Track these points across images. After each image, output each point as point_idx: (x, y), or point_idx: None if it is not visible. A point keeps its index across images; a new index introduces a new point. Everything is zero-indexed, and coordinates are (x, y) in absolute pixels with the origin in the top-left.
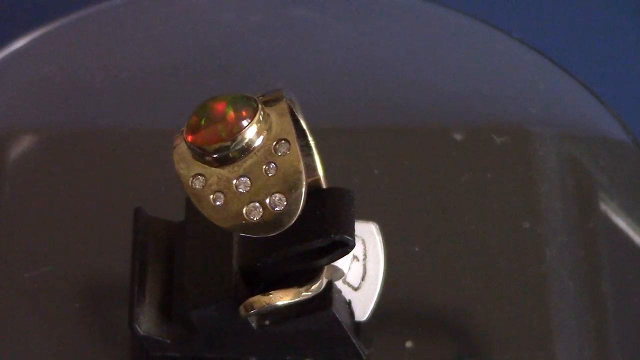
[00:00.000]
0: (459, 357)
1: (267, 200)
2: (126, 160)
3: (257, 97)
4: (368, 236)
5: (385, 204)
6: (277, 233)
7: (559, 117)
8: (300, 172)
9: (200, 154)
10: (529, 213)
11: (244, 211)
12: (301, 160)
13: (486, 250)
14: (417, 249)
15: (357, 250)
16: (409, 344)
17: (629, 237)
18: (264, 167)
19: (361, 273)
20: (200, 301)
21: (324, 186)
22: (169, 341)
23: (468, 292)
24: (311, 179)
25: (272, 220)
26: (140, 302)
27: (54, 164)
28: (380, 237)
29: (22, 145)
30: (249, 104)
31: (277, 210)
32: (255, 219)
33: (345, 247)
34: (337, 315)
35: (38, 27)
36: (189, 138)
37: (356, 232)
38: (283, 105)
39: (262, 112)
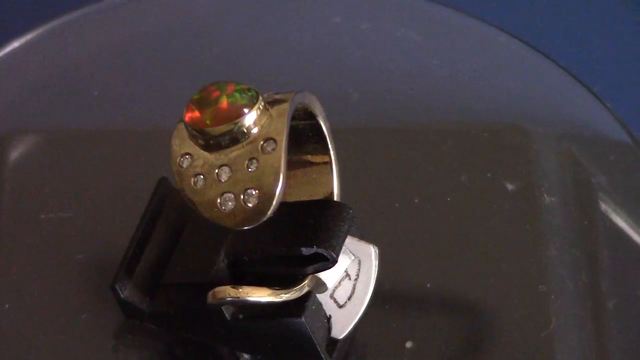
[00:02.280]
0: (459, 357)
1: (242, 194)
2: (126, 160)
3: (266, 94)
4: (365, 258)
5: (384, 203)
6: (244, 228)
7: (559, 117)
8: (277, 174)
9: (192, 134)
10: (529, 213)
11: (218, 200)
12: (283, 163)
13: (486, 250)
14: (415, 248)
15: (352, 269)
16: (409, 344)
17: (629, 237)
18: (247, 161)
19: (349, 292)
20: (178, 276)
21: (336, 199)
22: (147, 311)
23: (468, 292)
24: (324, 193)
25: (241, 214)
26: (131, 266)
27: (54, 164)
28: (377, 263)
29: (22, 145)
30: (247, 94)
31: (248, 206)
32: (226, 209)
33: (327, 261)
34: (307, 327)
35: (37, 26)
36: (186, 116)
37: (354, 252)
38: (285, 107)
39: (261, 104)
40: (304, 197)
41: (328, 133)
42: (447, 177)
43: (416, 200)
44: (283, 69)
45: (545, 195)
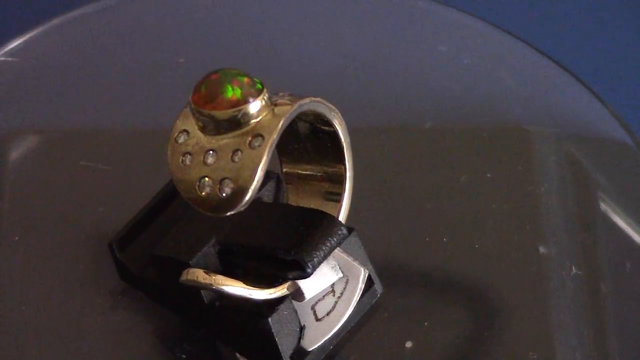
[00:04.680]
0: (459, 357)
1: (219, 182)
2: (126, 160)
3: (280, 93)
4: (353, 279)
5: (384, 203)
6: (215, 215)
7: (559, 117)
8: (255, 171)
9: (195, 115)
10: (529, 213)
11: (198, 182)
12: (264, 162)
13: (486, 250)
14: (416, 248)
15: (338, 286)
16: (409, 344)
17: (629, 237)
18: (232, 151)
19: (329, 308)
20: (167, 250)
21: (342, 216)
22: (137, 276)
23: (468, 292)
24: (332, 206)
25: (214, 201)
26: (135, 230)
27: (54, 164)
28: (362, 286)
29: (22, 145)
30: (253, 86)
31: (221, 195)
32: (202, 193)
33: (302, 270)
34: (272, 329)
35: (37, 26)
36: (192, 97)
37: (345, 271)
38: (288, 108)
39: (266, 96)
40: (314, 206)
41: (347, 147)
42: (447, 177)
43: (416, 200)
44: (283, 71)
45: (545, 195)
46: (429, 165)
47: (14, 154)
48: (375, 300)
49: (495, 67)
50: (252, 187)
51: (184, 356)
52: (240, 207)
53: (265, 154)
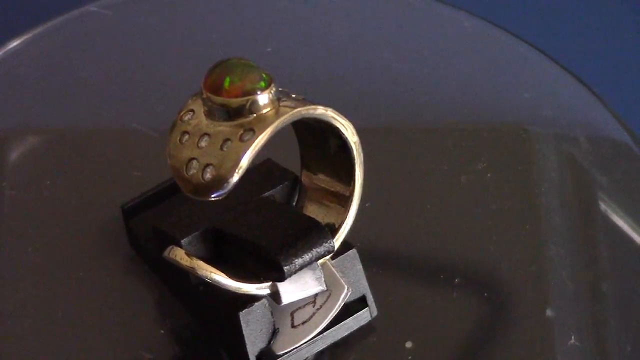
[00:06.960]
0: (459, 357)
1: (204, 167)
2: (126, 160)
3: (294, 95)
4: (335, 294)
5: (384, 203)
6: (194, 198)
7: (559, 117)
8: (236, 164)
9: (205, 101)
10: (529, 213)
11: (187, 163)
12: (247, 157)
13: (486, 251)
14: (416, 248)
15: (320, 298)
16: (408, 344)
17: (629, 237)
18: (223, 140)
19: (306, 317)
20: (166, 225)
21: (342, 231)
22: (142, 245)
23: (467, 293)
24: (335, 220)
25: (195, 184)
26: (152, 200)
27: (54, 164)
28: (342, 304)
29: (22, 145)
30: (261, 82)
31: (202, 180)
32: (187, 174)
33: (278, 273)
34: (242, 324)
35: (37, 26)
36: (205, 81)
37: (330, 285)
38: (288, 110)
39: (273, 90)
40: (319, 215)
41: (359, 164)
42: (447, 177)
43: (416, 200)
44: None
45: (545, 196)
46: (429, 165)
47: (14, 154)
48: (366, 322)
49: (496, 67)
50: (231, 178)
51: (162, 331)
52: (218, 195)
53: (250, 149)
